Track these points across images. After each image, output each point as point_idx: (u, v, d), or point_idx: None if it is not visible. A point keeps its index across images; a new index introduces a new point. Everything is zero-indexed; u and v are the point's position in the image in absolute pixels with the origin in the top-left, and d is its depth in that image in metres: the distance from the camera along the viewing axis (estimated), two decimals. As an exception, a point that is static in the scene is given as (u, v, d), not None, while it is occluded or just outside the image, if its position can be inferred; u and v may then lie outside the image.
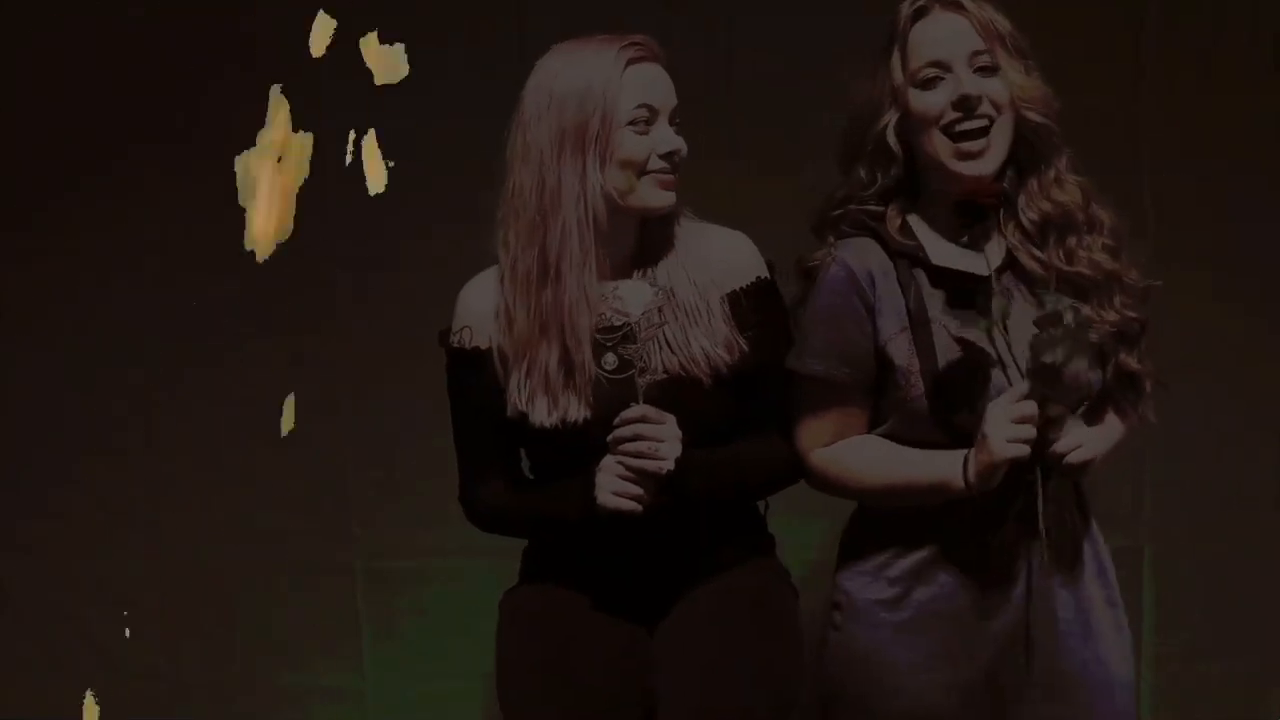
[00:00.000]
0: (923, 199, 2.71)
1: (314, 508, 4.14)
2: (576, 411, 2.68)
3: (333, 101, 4.11)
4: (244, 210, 4.12)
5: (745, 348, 2.72)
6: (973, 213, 2.58)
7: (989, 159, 2.61)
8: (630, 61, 2.70)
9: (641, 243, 2.76)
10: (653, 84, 2.72)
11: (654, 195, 2.71)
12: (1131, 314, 2.64)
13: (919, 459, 2.63)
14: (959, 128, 2.60)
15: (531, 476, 2.86)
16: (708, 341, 2.71)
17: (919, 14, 2.66)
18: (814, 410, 2.71)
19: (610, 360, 2.70)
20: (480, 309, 2.77)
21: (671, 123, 2.72)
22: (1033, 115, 2.61)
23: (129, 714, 4.21)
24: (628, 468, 2.62)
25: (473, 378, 2.76)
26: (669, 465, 2.62)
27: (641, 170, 2.69)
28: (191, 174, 4.11)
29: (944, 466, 2.60)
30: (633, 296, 2.66)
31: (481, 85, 4.08)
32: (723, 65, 3.93)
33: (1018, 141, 2.63)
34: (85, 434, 4.20)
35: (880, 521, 2.73)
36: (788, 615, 2.82)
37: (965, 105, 2.59)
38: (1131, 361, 2.67)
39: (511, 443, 2.80)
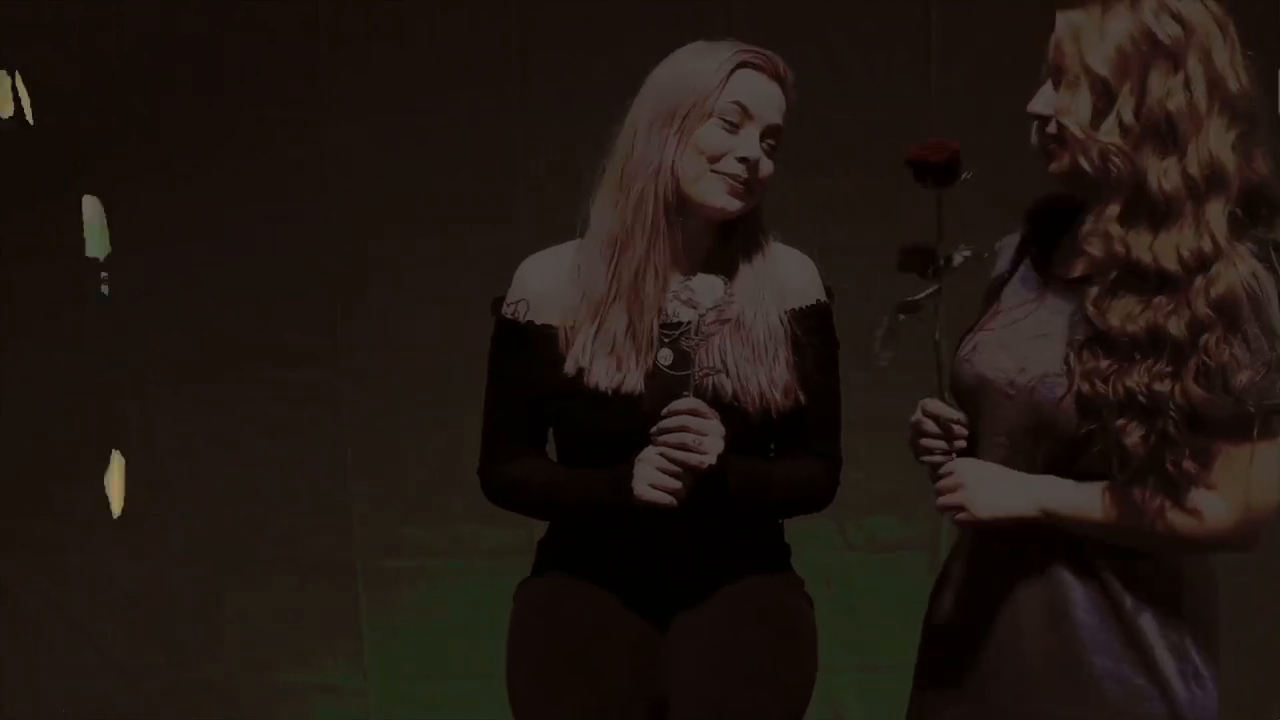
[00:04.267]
0: None
1: (314, 508, 4.14)
2: (634, 382, 2.68)
3: (336, 102, 4.12)
4: (244, 211, 4.13)
5: (803, 398, 2.72)
6: (923, 172, 2.54)
7: (1059, 162, 2.45)
8: (744, 64, 2.71)
9: (715, 251, 2.77)
10: (758, 91, 2.72)
11: (717, 195, 2.70)
12: (1159, 387, 2.30)
13: None
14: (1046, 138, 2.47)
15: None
16: (768, 383, 2.71)
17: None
18: None
19: (665, 355, 2.70)
20: (539, 286, 2.77)
21: (765, 140, 2.72)
22: (1077, 153, 2.36)
23: (129, 714, 4.21)
24: (669, 459, 2.62)
25: (519, 351, 2.76)
26: (710, 460, 2.61)
27: (714, 164, 2.69)
28: (191, 175, 4.12)
29: None
30: (704, 289, 2.67)
31: (482, 85, 4.09)
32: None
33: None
34: (86, 434, 4.20)
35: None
36: (805, 624, 2.81)
37: (1035, 121, 2.47)
38: (1132, 435, 2.32)
39: (544, 422, 2.79)
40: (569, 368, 2.69)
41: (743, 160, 2.69)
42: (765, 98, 2.72)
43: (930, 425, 2.49)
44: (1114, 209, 2.34)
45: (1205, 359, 2.29)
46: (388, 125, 4.11)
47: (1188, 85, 2.34)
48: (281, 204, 4.13)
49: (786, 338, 2.73)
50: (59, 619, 4.23)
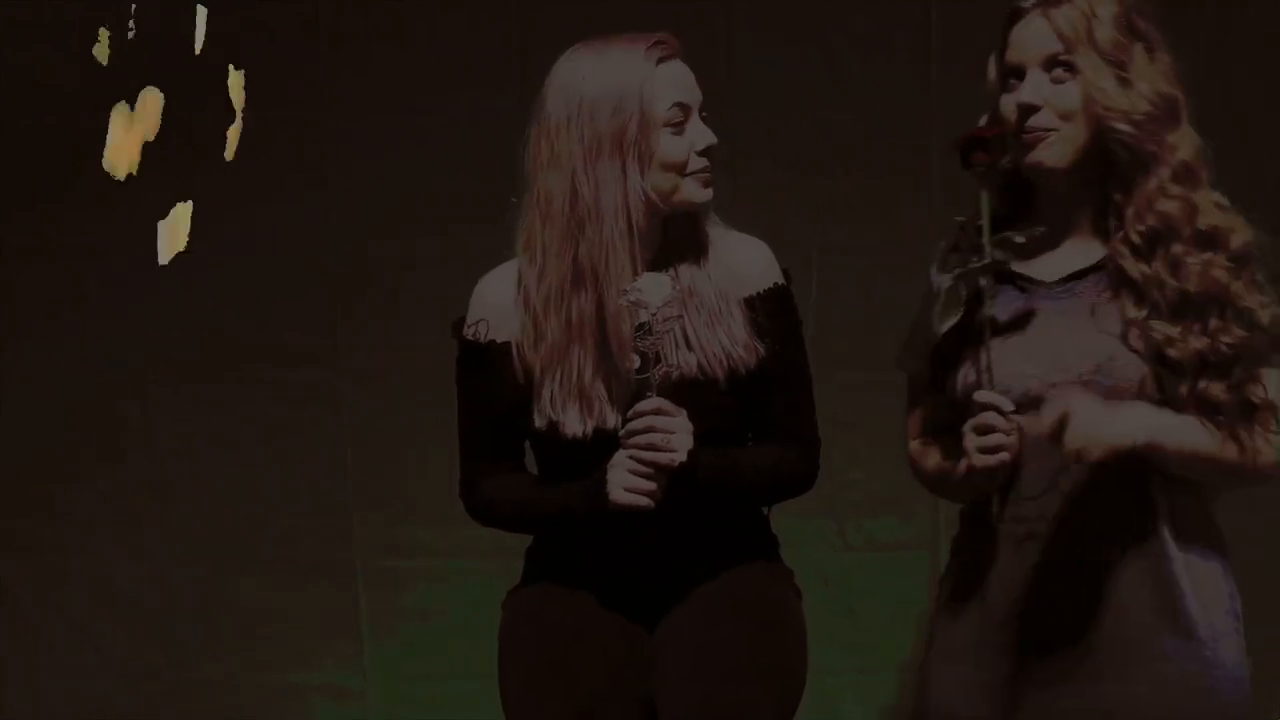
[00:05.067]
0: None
1: (314, 508, 4.13)
2: (613, 418, 2.67)
3: (336, 102, 4.12)
4: (244, 211, 4.13)
5: (763, 352, 2.71)
6: (974, 147, 2.55)
7: (1050, 150, 2.54)
8: (660, 60, 2.70)
9: (664, 242, 2.75)
10: (682, 82, 2.71)
11: (697, 193, 2.70)
12: (1226, 340, 2.48)
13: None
14: (1025, 137, 2.56)
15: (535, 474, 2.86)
16: (728, 341, 2.70)
17: (1014, 16, 2.62)
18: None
19: (630, 360, 2.70)
20: (497, 302, 2.75)
21: (700, 117, 2.72)
22: (1117, 125, 2.52)
23: (129, 714, 4.20)
24: (640, 461, 2.61)
25: (485, 371, 2.75)
26: (681, 457, 2.61)
27: (683, 170, 2.68)
28: (192, 174, 4.11)
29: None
30: (651, 288, 2.65)
31: (482, 85, 4.09)
32: (722, 50, 3.94)
33: (1116, 151, 2.53)
34: (86, 434, 4.20)
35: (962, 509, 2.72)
36: (790, 615, 2.81)
37: (1022, 113, 2.55)
38: (1216, 391, 2.49)
39: (518, 438, 2.79)
40: (539, 422, 2.68)
41: (704, 151, 2.69)
42: (689, 82, 2.72)
43: (996, 419, 2.48)
44: (1166, 171, 2.51)
45: (1236, 303, 2.48)
46: (388, 125, 4.11)
47: (1165, 70, 2.55)
48: (281, 204, 4.13)
49: (739, 299, 2.72)
50: (59, 619, 4.23)
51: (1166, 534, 2.54)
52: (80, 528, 4.20)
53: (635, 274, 2.66)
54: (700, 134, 2.69)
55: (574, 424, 2.67)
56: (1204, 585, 2.57)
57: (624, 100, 2.64)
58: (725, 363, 2.69)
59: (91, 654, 4.22)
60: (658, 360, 2.62)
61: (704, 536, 2.74)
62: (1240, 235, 2.51)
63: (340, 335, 4.15)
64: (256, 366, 4.14)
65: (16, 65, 4.15)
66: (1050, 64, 2.53)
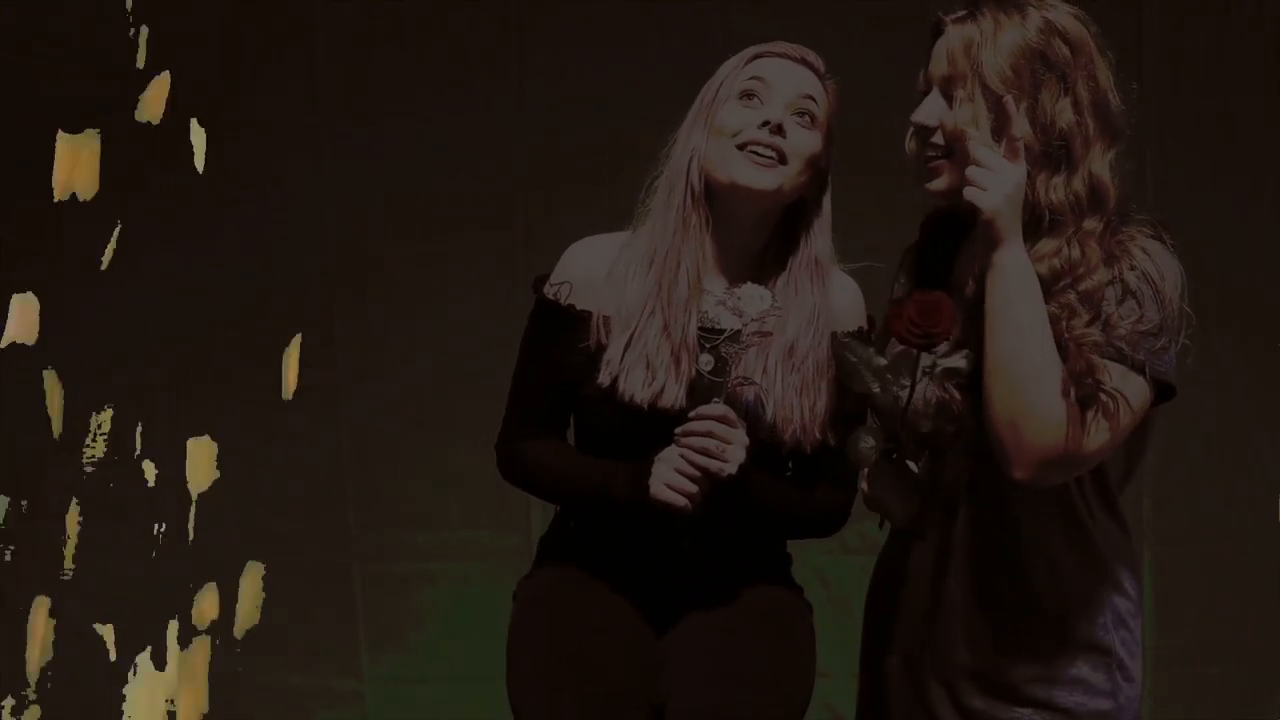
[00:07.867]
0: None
1: (314, 508, 4.14)
2: (673, 396, 2.65)
3: (334, 106, 4.12)
4: (244, 211, 4.13)
5: (832, 442, 2.71)
6: (936, 340, 2.49)
7: (942, 179, 2.51)
8: (763, 54, 2.71)
9: (769, 263, 2.74)
10: (776, 69, 2.70)
11: (744, 170, 2.65)
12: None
13: None
14: (927, 166, 2.54)
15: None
16: (810, 417, 2.67)
17: (935, 29, 2.57)
18: None
19: (706, 360, 2.68)
20: (584, 271, 2.73)
21: (796, 115, 2.69)
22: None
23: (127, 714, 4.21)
24: (689, 462, 2.60)
25: (554, 332, 2.73)
26: (731, 469, 2.59)
27: (736, 141, 2.66)
28: (191, 174, 4.12)
29: None
30: (751, 298, 2.65)
31: (482, 85, 4.09)
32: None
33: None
34: (85, 434, 4.20)
35: None
36: (803, 627, 2.80)
37: (918, 132, 2.52)
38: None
39: (567, 407, 2.77)
40: (603, 379, 2.66)
41: (764, 125, 2.65)
42: (786, 73, 2.69)
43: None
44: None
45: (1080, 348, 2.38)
46: (388, 125, 4.11)
47: (1076, 105, 2.42)
48: (281, 204, 4.14)
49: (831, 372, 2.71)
50: (58, 619, 4.23)
51: (1041, 550, 2.53)
52: (81, 528, 4.20)
53: (701, 246, 2.67)
54: (771, 111, 2.68)
55: (635, 386, 2.64)
56: (1075, 602, 2.55)
57: (713, 80, 2.69)
58: (796, 433, 2.67)
59: (91, 654, 4.22)
60: (732, 370, 2.62)
61: (726, 547, 2.74)
62: (1089, 282, 2.40)
63: (340, 335, 4.15)
64: (256, 368, 4.14)
65: (16, 65, 4.15)
66: (945, 85, 2.47)
